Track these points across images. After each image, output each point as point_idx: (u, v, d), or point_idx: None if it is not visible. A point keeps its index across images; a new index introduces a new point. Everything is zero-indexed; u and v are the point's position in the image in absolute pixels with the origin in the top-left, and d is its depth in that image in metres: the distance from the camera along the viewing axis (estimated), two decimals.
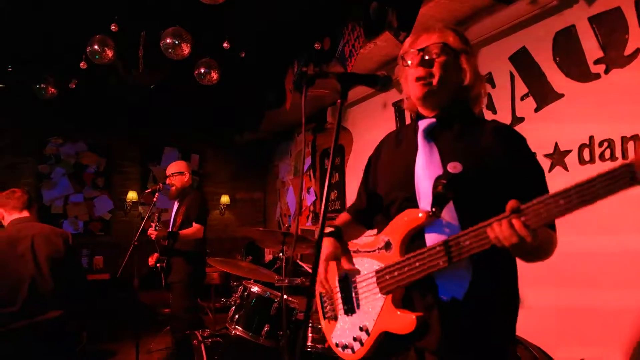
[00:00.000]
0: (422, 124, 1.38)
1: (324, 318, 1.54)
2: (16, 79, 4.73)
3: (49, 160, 6.34)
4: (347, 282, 1.44)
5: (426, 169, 1.29)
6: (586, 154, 2.50)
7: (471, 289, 1.20)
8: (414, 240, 1.28)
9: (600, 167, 2.42)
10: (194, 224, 3.89)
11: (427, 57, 1.33)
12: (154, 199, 4.09)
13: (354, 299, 1.40)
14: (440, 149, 1.31)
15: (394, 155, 1.49)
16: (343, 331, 1.43)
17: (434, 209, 1.21)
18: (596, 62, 2.48)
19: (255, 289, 2.86)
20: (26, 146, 6.20)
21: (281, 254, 2.83)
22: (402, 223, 1.31)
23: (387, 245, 1.33)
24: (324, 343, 2.70)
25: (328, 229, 1.51)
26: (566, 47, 2.63)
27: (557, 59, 2.68)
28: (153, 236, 3.77)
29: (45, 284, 2.91)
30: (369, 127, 4.77)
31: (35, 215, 3.12)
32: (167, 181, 4.07)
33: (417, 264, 1.22)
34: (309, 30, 4.15)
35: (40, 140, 6.32)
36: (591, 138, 2.47)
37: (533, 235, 1.03)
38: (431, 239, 1.25)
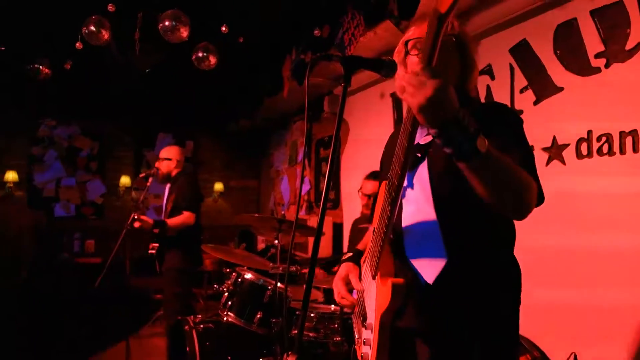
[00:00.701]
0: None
1: (356, 344, 1.49)
2: (10, 58, 4.64)
3: (42, 142, 6.27)
4: (360, 297, 1.41)
5: None
6: (584, 148, 2.50)
7: (445, 273, 1.15)
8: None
9: (598, 162, 2.44)
10: (183, 211, 3.82)
11: None
12: (147, 184, 4.04)
13: (365, 308, 1.36)
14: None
15: (391, 148, 1.48)
16: (361, 343, 1.37)
17: (389, 175, 1.19)
18: (597, 56, 2.47)
19: (248, 275, 2.85)
20: (19, 127, 6.12)
21: (276, 241, 2.81)
22: (378, 203, 1.32)
23: (374, 232, 1.31)
24: (316, 331, 2.71)
25: (347, 255, 1.54)
26: (567, 41, 2.62)
27: (558, 52, 2.67)
28: (136, 225, 3.67)
29: None
30: (366, 117, 4.75)
31: None
32: (156, 164, 4.02)
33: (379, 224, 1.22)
34: (308, 17, 4.11)
35: (34, 122, 6.24)
36: (589, 132, 2.47)
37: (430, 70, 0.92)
38: (407, 211, 1.24)
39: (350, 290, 1.45)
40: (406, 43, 1.34)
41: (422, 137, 1.30)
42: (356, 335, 1.46)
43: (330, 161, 1.24)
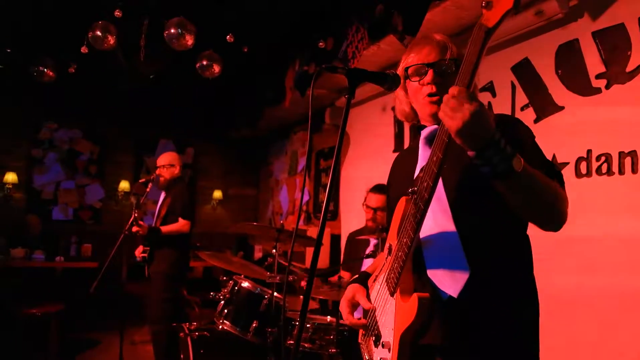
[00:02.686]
0: (425, 132, 1.36)
1: None
2: (14, 60, 4.67)
3: (43, 144, 6.28)
4: (371, 316, 1.37)
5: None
6: (583, 168, 2.52)
7: (469, 286, 1.13)
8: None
9: (596, 181, 2.45)
10: (180, 219, 3.86)
11: (437, 72, 1.29)
12: (147, 190, 4.05)
13: (377, 326, 1.33)
14: None
15: (400, 168, 1.51)
16: None
17: (411, 189, 1.19)
18: (598, 76, 2.50)
19: (245, 284, 2.84)
20: (20, 129, 6.13)
21: (274, 251, 2.81)
22: (395, 219, 1.31)
23: (390, 250, 1.30)
24: (311, 342, 2.70)
25: (354, 277, 1.52)
26: (569, 61, 2.65)
27: (559, 71, 2.70)
28: (134, 230, 3.74)
29: None
30: (367, 130, 4.77)
31: None
32: (157, 172, 4.04)
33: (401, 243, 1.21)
34: (312, 29, 4.15)
35: (35, 124, 6.25)
36: (589, 152, 2.49)
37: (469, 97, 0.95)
38: (425, 225, 1.18)
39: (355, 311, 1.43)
40: (406, 69, 1.36)
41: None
42: (366, 357, 1.40)
43: (332, 173, 1.25)
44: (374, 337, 1.34)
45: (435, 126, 1.31)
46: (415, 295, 1.15)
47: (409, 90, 1.38)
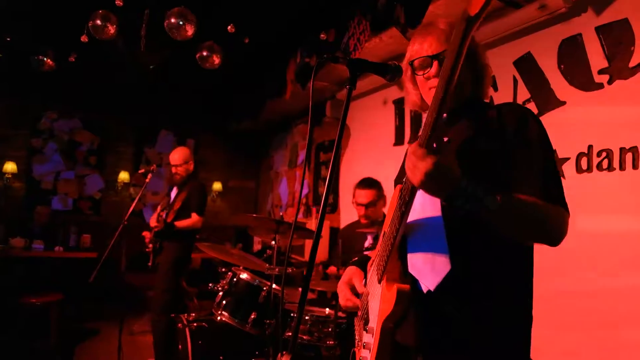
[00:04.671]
0: None
1: (356, 347, 1.45)
2: (14, 49, 4.64)
3: (42, 134, 6.26)
4: (364, 300, 1.38)
5: None
6: (584, 163, 2.51)
7: (447, 280, 1.09)
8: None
9: (597, 177, 2.45)
10: (193, 214, 3.97)
11: (441, 65, 1.25)
12: (147, 181, 4.05)
13: (367, 310, 1.33)
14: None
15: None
16: (361, 347, 1.35)
17: (404, 179, 1.14)
18: (600, 72, 2.48)
19: (244, 275, 2.85)
20: (20, 118, 6.11)
21: (273, 242, 2.81)
22: (391, 206, 1.30)
23: (384, 235, 1.29)
24: (309, 334, 2.71)
25: (354, 259, 1.51)
26: (571, 55, 2.64)
27: (562, 66, 2.69)
28: (157, 228, 3.86)
29: None
30: (368, 123, 4.76)
31: None
32: (173, 170, 4.08)
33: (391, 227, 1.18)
34: (314, 21, 4.12)
35: (35, 114, 6.23)
36: (590, 147, 2.48)
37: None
38: (414, 214, 1.17)
39: (355, 294, 1.43)
40: (411, 62, 1.33)
41: (445, 137, 1.25)
42: (357, 338, 1.43)
43: (332, 164, 1.24)
44: (363, 321, 1.35)
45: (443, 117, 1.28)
46: (395, 287, 1.14)
47: (418, 82, 1.36)
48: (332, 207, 5.50)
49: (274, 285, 2.74)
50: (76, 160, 6.48)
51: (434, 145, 1.03)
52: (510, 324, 1.15)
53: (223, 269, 3.12)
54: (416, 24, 3.04)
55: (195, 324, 2.90)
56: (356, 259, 1.52)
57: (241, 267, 3.02)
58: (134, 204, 3.85)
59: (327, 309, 2.90)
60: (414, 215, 1.18)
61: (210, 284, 3.04)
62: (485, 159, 1.14)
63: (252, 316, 2.70)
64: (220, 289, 2.91)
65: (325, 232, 5.15)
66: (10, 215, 5.57)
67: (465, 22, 0.93)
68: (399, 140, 4.22)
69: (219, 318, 2.79)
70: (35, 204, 5.59)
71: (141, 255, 6.32)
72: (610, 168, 2.39)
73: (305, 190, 6.20)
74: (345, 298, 1.41)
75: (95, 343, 4.57)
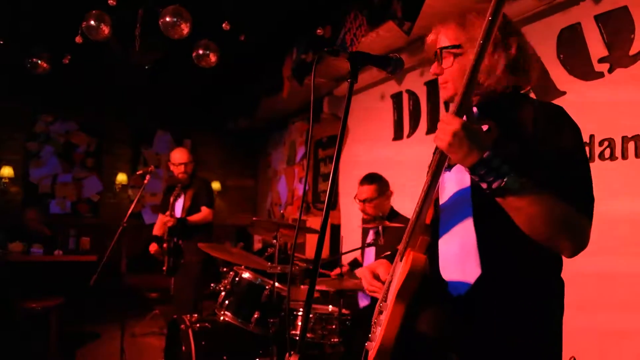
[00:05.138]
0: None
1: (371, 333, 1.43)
2: (8, 52, 4.59)
3: (39, 137, 6.22)
4: (386, 288, 1.33)
5: None
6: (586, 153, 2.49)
7: (477, 286, 1.09)
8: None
9: (599, 167, 2.43)
10: (203, 208, 4.03)
11: (439, 61, 1.31)
12: (145, 182, 4.01)
13: (387, 295, 1.29)
14: None
15: None
16: (376, 327, 1.27)
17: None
18: (600, 60, 2.46)
19: (246, 275, 2.83)
20: (15, 122, 6.06)
21: (274, 241, 2.79)
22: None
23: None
24: (313, 332, 2.69)
25: (386, 253, 1.49)
26: (571, 45, 2.62)
27: (561, 56, 2.67)
28: (170, 224, 3.86)
29: None
30: (366, 119, 4.73)
31: None
32: (178, 169, 4.09)
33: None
34: (309, 17, 4.10)
35: (31, 117, 6.18)
36: (591, 137, 2.47)
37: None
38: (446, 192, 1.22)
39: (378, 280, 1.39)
40: (436, 53, 1.32)
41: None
42: (373, 321, 1.36)
43: (335, 160, 1.22)
44: (381, 306, 1.30)
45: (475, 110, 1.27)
46: (411, 257, 1.09)
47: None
48: (332, 203, 5.47)
49: (276, 284, 2.73)
50: (73, 163, 6.44)
51: (464, 117, 1.04)
52: (538, 328, 1.12)
53: (224, 269, 3.10)
54: (413, 17, 3.02)
55: (198, 325, 2.87)
56: (388, 253, 1.48)
57: (243, 267, 3.00)
58: (132, 206, 3.81)
59: (331, 306, 2.89)
60: (443, 201, 1.21)
61: (212, 284, 3.02)
62: (516, 154, 1.10)
63: (255, 315, 2.68)
64: (222, 289, 2.89)
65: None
66: (8, 220, 5.53)
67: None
68: (397, 135, 4.20)
69: (221, 318, 2.77)
70: (35, 207, 5.55)
71: (142, 257, 6.31)
72: (612, 157, 2.37)
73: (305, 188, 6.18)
74: (366, 282, 1.38)
75: (97, 346, 4.54)
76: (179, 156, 4.12)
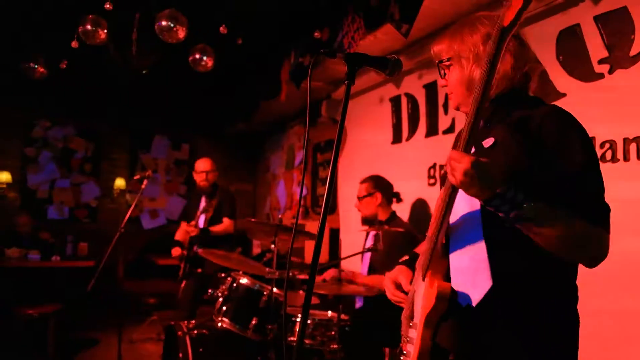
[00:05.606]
0: None
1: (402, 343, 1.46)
2: (4, 57, 4.58)
3: (36, 143, 6.19)
4: (410, 298, 1.38)
5: None
6: None
7: (488, 298, 1.11)
8: None
9: (601, 169, 2.40)
10: (225, 219, 4.13)
11: (442, 73, 1.39)
12: (142, 187, 4.00)
13: (413, 307, 1.34)
14: None
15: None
16: (406, 342, 1.35)
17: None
18: (600, 61, 2.44)
19: (244, 280, 2.80)
20: (12, 127, 6.04)
21: (272, 246, 2.76)
22: (437, 204, 1.29)
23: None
24: (312, 338, 2.66)
25: (404, 258, 1.50)
26: (570, 46, 2.59)
27: (561, 57, 2.64)
28: (193, 234, 3.98)
29: None
30: (364, 122, 4.71)
31: None
32: (200, 177, 4.20)
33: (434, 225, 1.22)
34: (307, 20, 4.08)
35: (28, 122, 6.15)
36: (592, 139, 2.44)
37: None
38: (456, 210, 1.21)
39: (401, 290, 1.44)
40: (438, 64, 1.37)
41: (486, 140, 1.23)
42: (403, 334, 1.42)
43: (332, 164, 1.21)
44: (410, 319, 1.35)
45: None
46: (436, 285, 1.16)
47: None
48: (331, 208, 5.45)
49: (274, 290, 2.69)
50: (71, 168, 6.41)
51: (472, 149, 1.09)
52: (553, 336, 1.12)
53: (222, 274, 3.06)
54: (410, 19, 3.00)
55: (195, 331, 2.84)
56: (406, 257, 1.50)
57: (241, 272, 2.97)
58: (129, 211, 3.79)
59: (330, 312, 2.86)
60: (454, 217, 1.22)
61: (209, 290, 2.98)
62: (526, 167, 1.13)
63: (253, 322, 2.65)
64: (219, 294, 2.85)
65: (325, 234, 5.08)
66: (5, 225, 5.49)
67: (499, 31, 1.00)
68: (396, 139, 4.17)
69: (219, 325, 2.74)
70: (27, 212, 5.50)
71: (140, 262, 6.27)
72: (614, 159, 2.34)
73: (303, 192, 6.15)
74: (390, 293, 1.43)
75: (95, 352, 4.50)
76: (202, 165, 4.26)
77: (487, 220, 1.15)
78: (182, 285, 4.17)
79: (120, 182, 6.62)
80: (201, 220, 4.19)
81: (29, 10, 3.96)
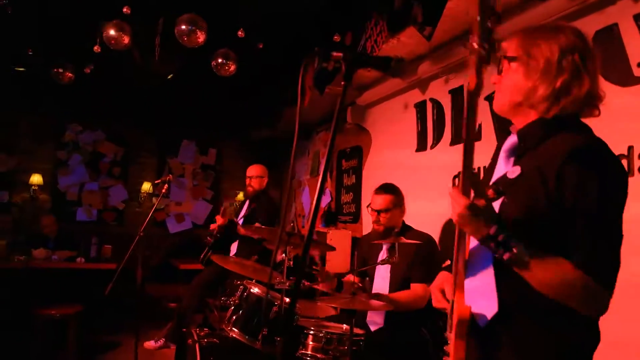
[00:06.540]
0: (508, 143, 1.29)
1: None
2: (36, 62, 4.70)
3: (67, 146, 6.35)
4: (449, 308, 1.39)
5: None
6: (624, 166, 2.26)
7: (498, 317, 1.14)
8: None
9: (639, 181, 2.20)
10: (257, 224, 4.14)
11: None
12: (163, 191, 4.03)
13: (451, 317, 1.36)
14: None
15: (489, 168, 1.43)
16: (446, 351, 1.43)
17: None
18: None
19: (255, 289, 2.72)
20: (45, 131, 6.22)
21: (284, 255, 2.67)
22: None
23: None
24: (324, 353, 2.54)
25: (446, 263, 1.49)
26: (606, 48, 2.40)
27: None
28: (220, 222, 4.18)
29: None
30: (389, 128, 4.58)
31: None
32: (247, 182, 4.42)
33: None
34: (332, 25, 4.00)
35: (60, 126, 6.33)
36: (630, 148, 2.24)
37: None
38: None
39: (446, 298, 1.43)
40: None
41: (513, 169, 1.18)
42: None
43: (324, 168, 1.15)
44: (449, 327, 1.40)
45: (515, 139, 1.26)
46: (457, 308, 1.18)
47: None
48: (354, 216, 5.32)
49: (286, 300, 2.60)
50: (100, 172, 6.54)
51: (471, 190, 1.13)
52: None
53: (237, 282, 3.00)
54: (434, 22, 2.87)
55: (205, 340, 2.78)
56: (448, 262, 1.48)
57: (254, 281, 2.89)
58: (149, 216, 3.80)
59: (344, 325, 2.73)
60: (474, 240, 1.22)
61: (222, 298, 2.92)
62: (542, 208, 1.11)
63: (263, 332, 2.56)
64: (232, 303, 2.78)
65: (347, 243, 4.97)
66: (37, 226, 5.62)
67: (468, 94, 1.08)
68: (421, 146, 4.02)
69: (230, 334, 2.67)
70: (53, 214, 5.63)
71: (164, 266, 6.31)
72: None
73: (327, 199, 6.05)
74: (435, 300, 1.42)
75: (115, 356, 4.53)
76: (249, 169, 4.46)
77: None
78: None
79: (147, 186, 6.71)
80: (240, 220, 4.39)
81: (57, 14, 4.02)
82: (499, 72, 1.27)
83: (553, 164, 1.09)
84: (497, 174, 1.27)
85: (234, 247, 4.40)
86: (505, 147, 1.28)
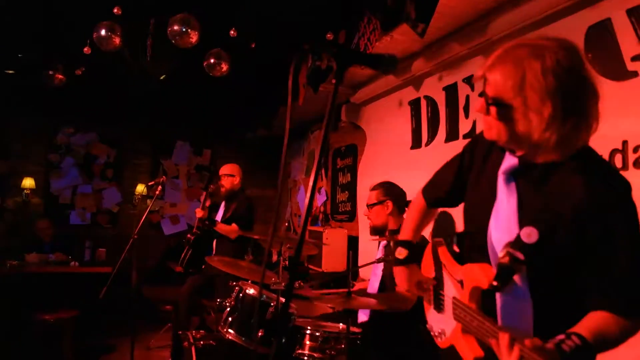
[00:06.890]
0: (506, 163, 1.23)
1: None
2: (26, 65, 4.65)
3: (60, 149, 6.28)
4: (438, 285, 1.46)
5: (499, 225, 1.20)
6: (618, 161, 2.26)
7: None
8: (485, 294, 1.22)
9: (633, 175, 2.19)
10: (233, 224, 4.12)
11: None
12: (157, 192, 3.99)
13: (440, 304, 1.44)
14: (520, 201, 1.18)
15: (475, 189, 1.36)
16: (434, 321, 1.50)
17: (494, 284, 1.13)
18: (634, 59, 2.23)
19: (251, 290, 2.69)
20: (37, 134, 6.14)
21: (276, 256, 2.65)
22: (472, 277, 1.27)
23: (462, 284, 1.32)
24: (321, 352, 2.53)
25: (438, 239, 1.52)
26: (600, 43, 2.39)
27: (590, 55, 2.44)
28: (200, 215, 4.16)
29: None
30: (384, 126, 4.57)
31: None
32: (220, 181, 4.32)
33: (481, 328, 1.16)
34: (325, 23, 3.97)
35: (52, 129, 6.26)
36: (625, 143, 2.24)
37: None
38: (501, 301, 1.18)
39: None
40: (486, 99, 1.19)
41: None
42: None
43: (316, 169, 1.11)
44: (435, 304, 1.50)
45: (516, 161, 1.20)
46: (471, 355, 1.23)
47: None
48: (350, 215, 5.31)
49: (282, 300, 2.58)
50: (93, 174, 6.48)
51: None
52: None
53: (233, 283, 2.97)
54: (427, 18, 2.85)
55: (201, 342, 2.76)
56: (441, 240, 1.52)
57: (249, 281, 2.87)
58: (143, 218, 3.77)
59: (341, 324, 2.72)
60: (505, 296, 1.18)
61: (218, 299, 2.90)
62: (572, 251, 1.11)
63: (259, 334, 2.54)
64: (227, 304, 2.76)
65: (343, 242, 4.96)
66: (28, 230, 5.57)
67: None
68: (415, 144, 4.01)
69: (226, 336, 2.64)
70: (48, 218, 5.57)
71: (160, 269, 6.26)
72: None
73: (323, 199, 6.03)
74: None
75: (110, 359, 4.49)
76: (222, 168, 4.38)
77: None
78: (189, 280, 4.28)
79: (141, 188, 6.65)
80: (218, 217, 4.30)
81: (48, 16, 3.98)
82: (487, 113, 1.18)
83: (580, 214, 1.09)
84: (500, 207, 1.21)
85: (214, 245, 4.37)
86: (503, 168, 1.22)
